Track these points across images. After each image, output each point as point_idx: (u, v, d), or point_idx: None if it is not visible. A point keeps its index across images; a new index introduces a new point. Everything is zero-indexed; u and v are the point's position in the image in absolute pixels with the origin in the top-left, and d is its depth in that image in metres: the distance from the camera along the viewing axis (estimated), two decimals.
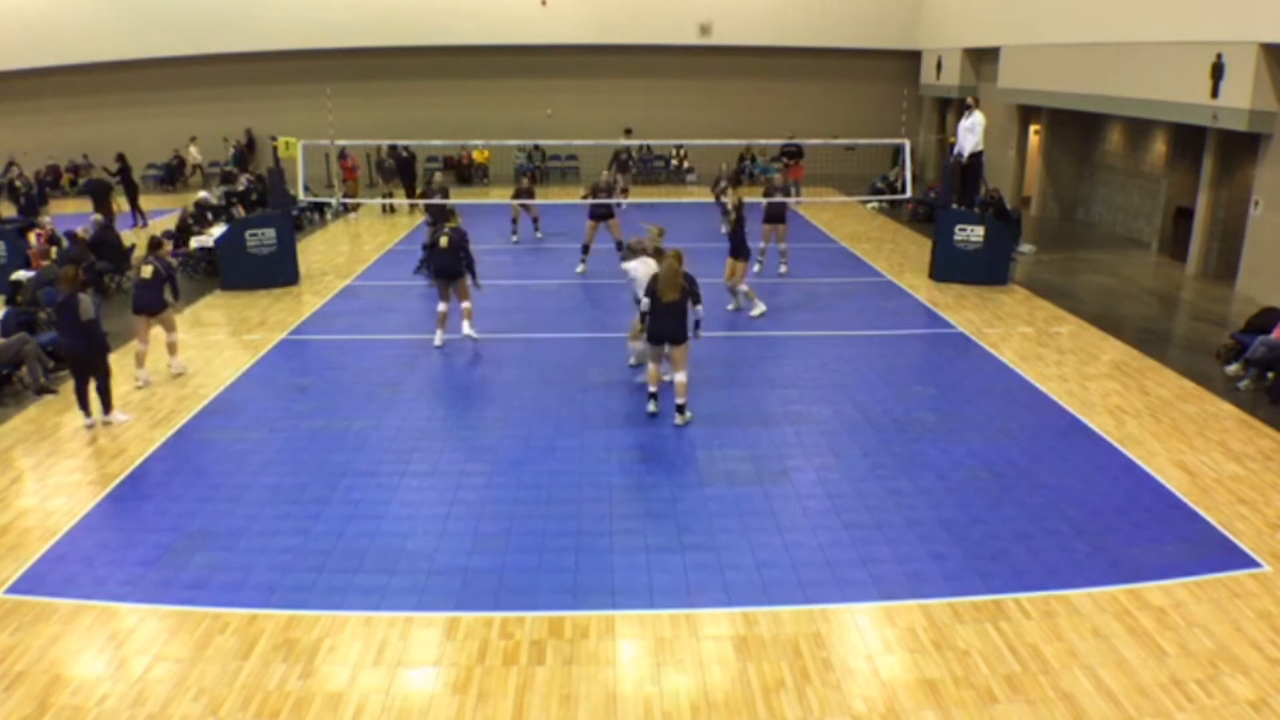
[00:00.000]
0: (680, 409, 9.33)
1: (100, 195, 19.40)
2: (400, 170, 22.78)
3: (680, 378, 9.29)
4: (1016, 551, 7.02)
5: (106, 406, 9.53)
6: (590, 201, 16.31)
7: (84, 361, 9.27)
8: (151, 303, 10.73)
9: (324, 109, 19.89)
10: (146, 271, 10.73)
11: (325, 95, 20.46)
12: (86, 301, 9.15)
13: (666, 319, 9.08)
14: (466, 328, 11.84)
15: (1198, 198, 16.06)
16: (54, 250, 14.88)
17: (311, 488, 8.08)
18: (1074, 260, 17.33)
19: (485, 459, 8.70)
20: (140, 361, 10.70)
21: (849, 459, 8.65)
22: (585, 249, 16.09)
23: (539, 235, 19.03)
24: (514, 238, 18.73)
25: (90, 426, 9.43)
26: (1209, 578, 6.65)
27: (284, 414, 9.80)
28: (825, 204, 23.04)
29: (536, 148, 27.52)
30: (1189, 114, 15.08)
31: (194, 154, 27.28)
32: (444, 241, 11.55)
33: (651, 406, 9.51)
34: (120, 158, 21.53)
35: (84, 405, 9.43)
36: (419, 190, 19.73)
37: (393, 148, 22.67)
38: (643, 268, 9.97)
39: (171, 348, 11.06)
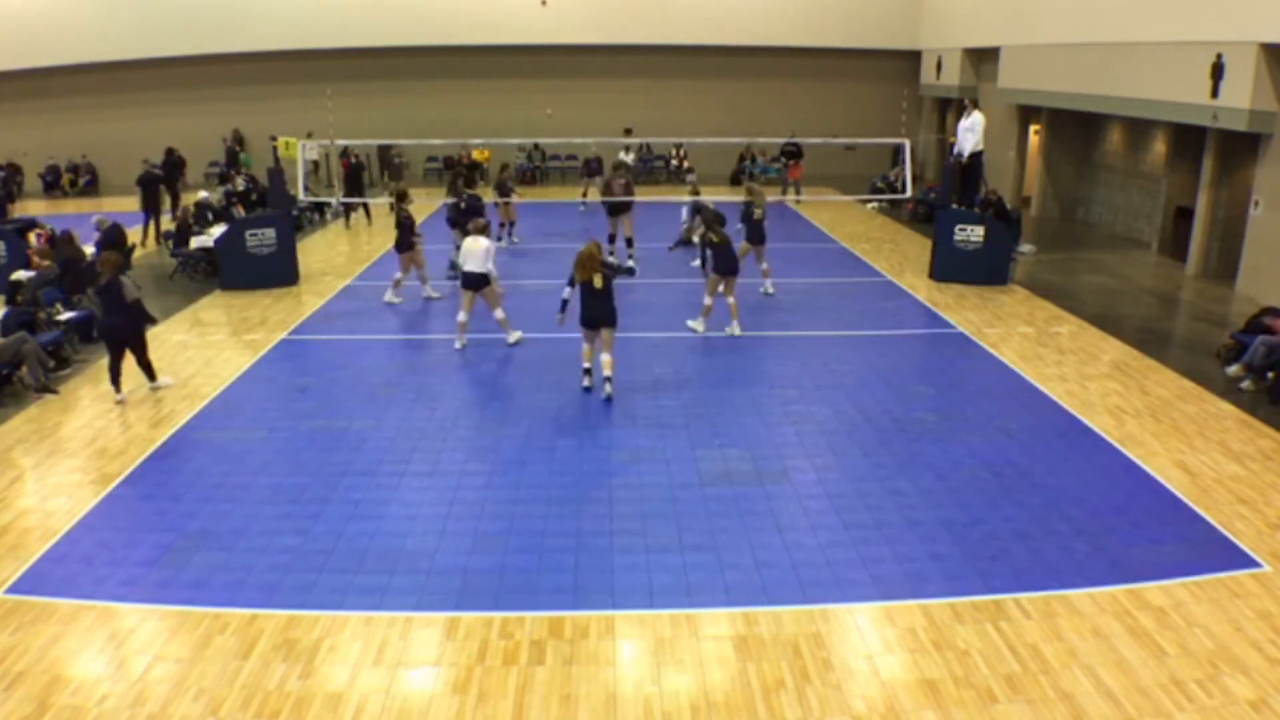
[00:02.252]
0: (607, 379, 10.17)
1: (150, 190, 19.30)
2: (348, 176, 21.24)
3: (606, 357, 10.11)
4: (1016, 551, 7.02)
5: (151, 375, 10.48)
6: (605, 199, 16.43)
7: (125, 338, 10.17)
8: (400, 243, 13.79)
9: (324, 109, 19.90)
10: (394, 220, 14.06)
11: (325, 95, 20.46)
12: (129, 284, 10.18)
13: (594, 304, 10.02)
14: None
15: (1198, 198, 16.07)
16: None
17: (311, 488, 8.08)
18: (1074, 260, 17.34)
19: (485, 459, 8.70)
20: (399, 283, 14.10)
21: (849, 459, 8.66)
22: (611, 239, 16.22)
23: (516, 241, 18.40)
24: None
25: (122, 401, 10.15)
26: (1209, 578, 6.65)
27: (284, 414, 9.80)
28: (825, 204, 23.03)
29: (536, 147, 27.53)
30: (1189, 114, 15.08)
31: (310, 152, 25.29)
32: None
33: (586, 381, 10.33)
34: (169, 152, 21.64)
35: (116, 381, 10.19)
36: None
37: (347, 150, 22.07)
38: None
39: (421, 279, 14.33)
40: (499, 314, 11.82)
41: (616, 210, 16.09)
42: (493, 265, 11.57)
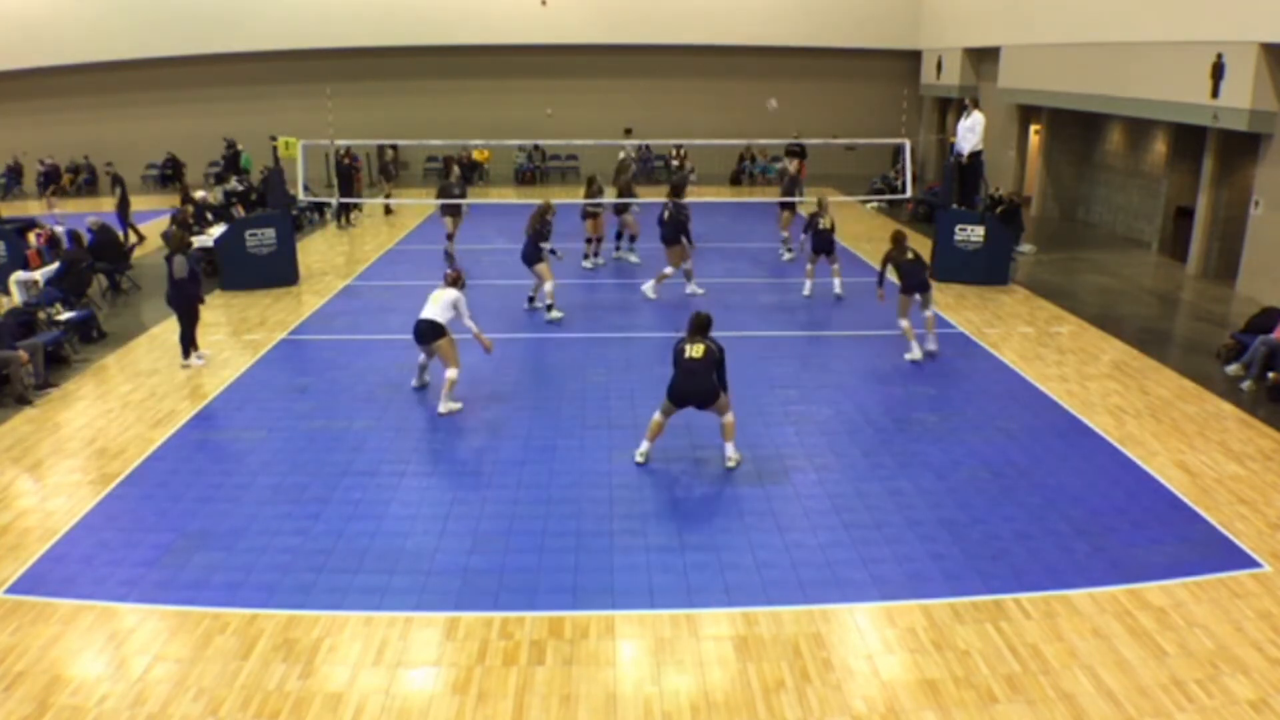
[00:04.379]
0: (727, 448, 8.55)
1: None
2: (340, 176, 20.75)
3: (729, 418, 8.47)
4: (1016, 551, 7.02)
5: (186, 352, 11.24)
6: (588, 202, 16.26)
7: (175, 309, 11.22)
8: (669, 238, 13.94)
9: (324, 109, 19.89)
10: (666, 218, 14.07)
11: (325, 95, 20.47)
12: (180, 261, 10.94)
13: (691, 376, 8.18)
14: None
15: (1198, 198, 16.07)
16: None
17: (311, 488, 8.08)
18: (1074, 260, 17.34)
19: (485, 459, 8.70)
20: None
21: (849, 459, 8.65)
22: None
23: (634, 259, 16.76)
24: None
25: (187, 366, 11.20)
26: (1209, 578, 6.65)
27: (284, 414, 9.80)
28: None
29: (536, 148, 27.53)
30: (1189, 114, 15.08)
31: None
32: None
33: (640, 457, 8.53)
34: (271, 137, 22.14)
35: (184, 348, 11.28)
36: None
37: (346, 150, 21.93)
38: None
39: (686, 275, 14.22)
40: (451, 374, 9.74)
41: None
42: (470, 321, 9.81)
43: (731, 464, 8.45)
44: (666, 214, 14.13)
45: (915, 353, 11.41)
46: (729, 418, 8.46)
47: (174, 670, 5.69)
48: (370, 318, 13.50)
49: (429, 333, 9.71)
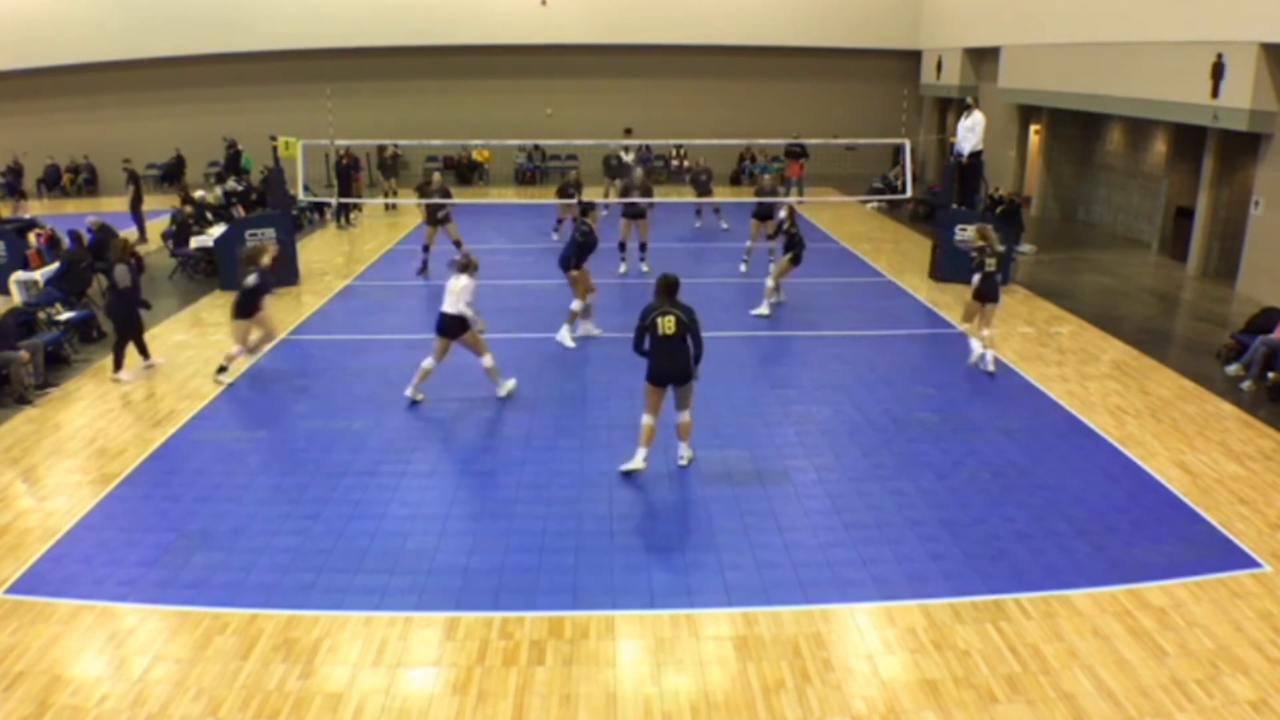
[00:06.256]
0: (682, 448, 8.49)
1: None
2: (340, 177, 21.12)
3: (685, 417, 8.32)
4: (1016, 551, 7.02)
5: (116, 365, 10.92)
6: (621, 201, 16.15)
7: (113, 319, 11.03)
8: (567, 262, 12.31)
9: (324, 109, 19.90)
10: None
11: (325, 95, 20.47)
12: (120, 270, 10.85)
13: (670, 355, 7.94)
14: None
15: (1198, 197, 16.07)
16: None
17: (311, 488, 8.08)
18: (1074, 260, 17.34)
19: (485, 459, 8.70)
20: None
21: (849, 459, 8.65)
22: (621, 246, 16.15)
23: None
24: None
25: (116, 380, 10.78)
26: (1209, 578, 6.65)
27: (284, 414, 9.80)
28: (825, 204, 23.02)
29: (536, 148, 27.53)
30: (1189, 114, 15.09)
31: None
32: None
33: (641, 464, 8.23)
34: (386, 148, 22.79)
35: (116, 360, 10.94)
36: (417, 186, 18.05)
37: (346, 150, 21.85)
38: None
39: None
40: (486, 361, 10.03)
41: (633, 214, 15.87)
42: (466, 307, 9.60)
43: (685, 461, 8.40)
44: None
45: (979, 354, 11.01)
46: (686, 416, 8.27)
47: (174, 670, 5.69)
48: (370, 318, 13.50)
49: (452, 327, 9.66)
